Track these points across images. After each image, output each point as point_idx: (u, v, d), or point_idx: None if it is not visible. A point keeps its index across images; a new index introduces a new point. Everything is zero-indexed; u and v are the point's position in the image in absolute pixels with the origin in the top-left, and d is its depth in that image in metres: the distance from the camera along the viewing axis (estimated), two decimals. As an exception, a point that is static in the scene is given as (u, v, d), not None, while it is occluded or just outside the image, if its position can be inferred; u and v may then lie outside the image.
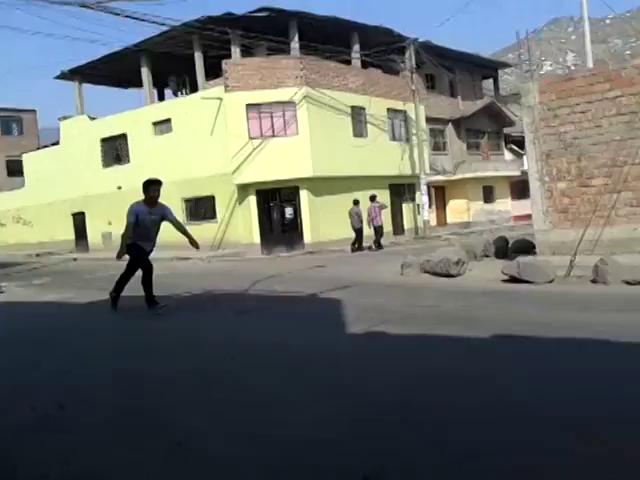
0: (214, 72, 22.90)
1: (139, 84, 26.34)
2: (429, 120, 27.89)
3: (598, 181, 9.90)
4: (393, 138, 25.91)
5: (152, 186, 7.93)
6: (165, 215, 8.21)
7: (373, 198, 20.50)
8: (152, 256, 8.25)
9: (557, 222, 10.31)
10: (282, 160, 20.78)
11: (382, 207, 20.60)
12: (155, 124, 24.44)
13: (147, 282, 7.76)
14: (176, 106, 24.15)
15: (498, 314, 6.42)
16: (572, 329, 5.29)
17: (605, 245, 9.42)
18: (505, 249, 11.80)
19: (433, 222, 27.36)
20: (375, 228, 20.04)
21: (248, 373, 4.61)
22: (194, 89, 24.46)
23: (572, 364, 4.24)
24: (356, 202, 20.30)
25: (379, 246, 19.79)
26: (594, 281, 7.97)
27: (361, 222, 19.83)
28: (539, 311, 6.47)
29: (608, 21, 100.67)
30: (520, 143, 27.96)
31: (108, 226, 26.18)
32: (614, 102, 9.87)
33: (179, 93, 27.44)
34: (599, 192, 9.82)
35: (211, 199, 22.66)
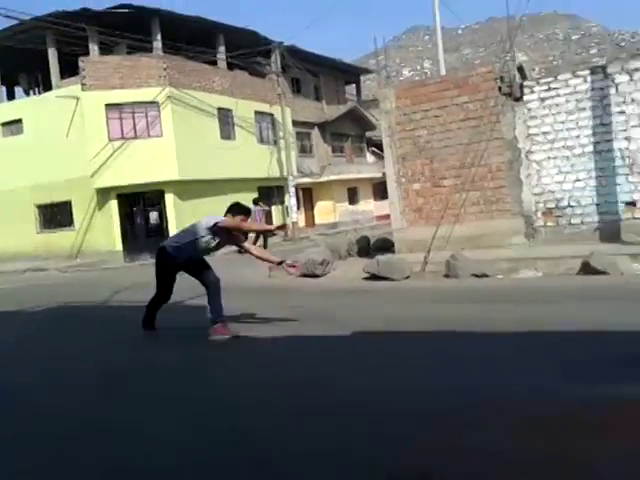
0: (70, 70, 21.67)
1: (-16, 81, 24.27)
2: (295, 123, 28.31)
3: (449, 182, 10.57)
4: (261, 141, 26.02)
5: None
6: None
7: (257, 202, 20.62)
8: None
9: (413, 221, 10.88)
10: (146, 163, 20.10)
11: (264, 211, 20.95)
12: (4, 125, 22.67)
13: (154, 306, 6.27)
14: (28, 105, 22.57)
15: (359, 311, 6.63)
16: (425, 322, 5.60)
17: (456, 241, 10.07)
18: (367, 248, 12.26)
19: (302, 223, 27.79)
20: None
21: (119, 381, 4.39)
22: (48, 88, 22.96)
23: (424, 356, 4.47)
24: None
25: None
26: (446, 275, 8.50)
27: None
28: (396, 306, 6.78)
29: (460, 31, 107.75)
30: (381, 146, 29.20)
31: (-49, 236, 23.88)
32: (462, 107, 10.59)
33: (31, 92, 25.66)
34: (450, 192, 10.49)
35: (67, 204, 21.37)
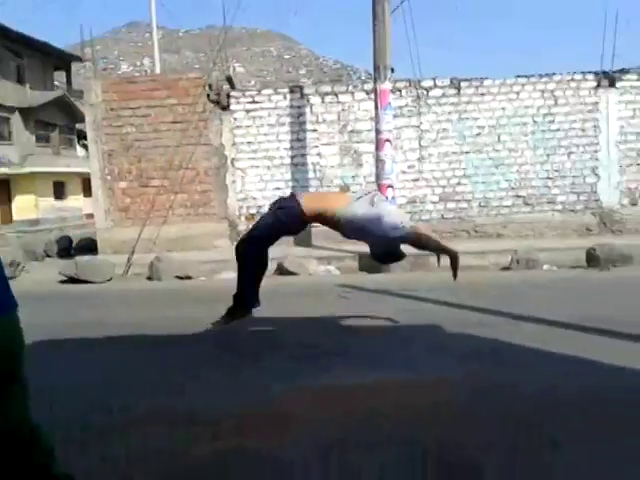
0: None
1: None
2: (-9, 106, 25.17)
3: (156, 182, 10.50)
4: (-56, 121, 22.50)
5: None
6: None
7: None
8: None
9: (118, 221, 10.53)
10: None
11: None
12: None
13: None
14: None
15: (52, 318, 6.15)
16: (122, 326, 5.45)
17: (163, 243, 10.05)
18: (69, 248, 11.51)
19: (-4, 219, 24.80)
20: None
21: None
22: None
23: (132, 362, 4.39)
24: None
25: None
26: (149, 278, 8.41)
27: None
28: (93, 311, 6.47)
29: (181, 34, 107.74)
30: (93, 140, 27.65)
31: None
32: (172, 109, 10.62)
33: None
34: (158, 193, 10.42)
35: None
